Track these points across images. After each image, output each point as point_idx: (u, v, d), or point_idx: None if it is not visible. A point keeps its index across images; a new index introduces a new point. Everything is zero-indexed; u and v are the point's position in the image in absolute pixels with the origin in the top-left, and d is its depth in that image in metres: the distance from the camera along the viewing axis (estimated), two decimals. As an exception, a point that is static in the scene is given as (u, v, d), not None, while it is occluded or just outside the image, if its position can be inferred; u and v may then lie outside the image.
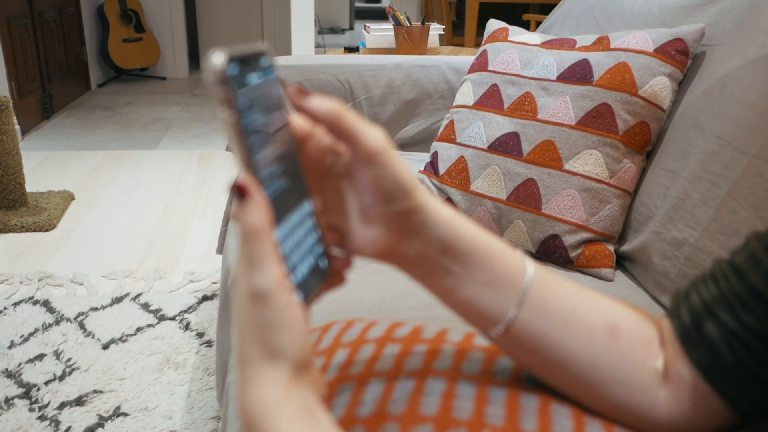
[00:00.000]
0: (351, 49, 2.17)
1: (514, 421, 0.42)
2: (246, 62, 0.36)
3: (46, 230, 2.24)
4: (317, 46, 3.28)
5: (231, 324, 1.03)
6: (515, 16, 4.29)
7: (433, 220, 0.41)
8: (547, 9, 3.48)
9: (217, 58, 0.34)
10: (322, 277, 0.40)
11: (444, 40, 3.96)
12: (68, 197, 2.48)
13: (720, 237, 0.82)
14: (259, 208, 0.34)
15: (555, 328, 0.43)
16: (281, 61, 1.51)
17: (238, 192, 0.34)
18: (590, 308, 0.45)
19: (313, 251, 0.40)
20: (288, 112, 0.40)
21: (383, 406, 0.43)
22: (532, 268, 0.44)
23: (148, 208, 2.47)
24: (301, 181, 0.40)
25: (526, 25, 3.34)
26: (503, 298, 0.43)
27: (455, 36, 4.09)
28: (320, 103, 0.39)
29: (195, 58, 5.01)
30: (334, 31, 6.92)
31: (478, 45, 3.62)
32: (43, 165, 2.90)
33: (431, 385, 0.45)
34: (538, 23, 3.20)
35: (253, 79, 0.37)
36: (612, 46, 1.05)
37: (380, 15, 7.61)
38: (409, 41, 1.97)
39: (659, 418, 0.44)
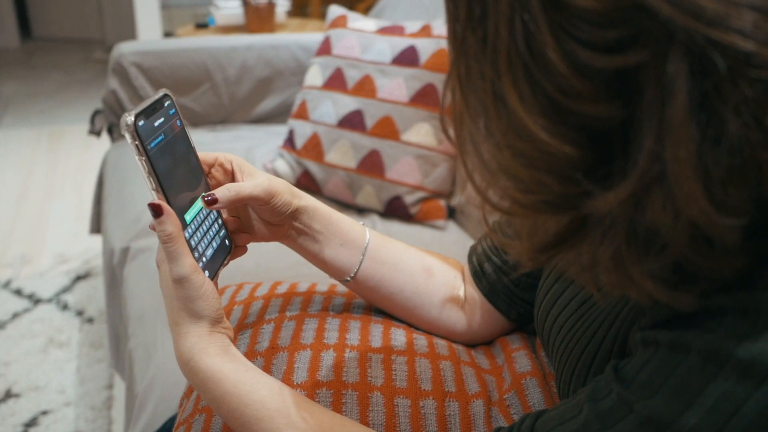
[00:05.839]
0: (201, 26, 2.23)
1: (366, 341, 0.61)
2: (151, 110, 0.51)
3: None
4: (163, 7, 3.21)
5: (122, 298, 1.14)
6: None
7: (306, 211, 0.60)
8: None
9: (127, 118, 0.48)
10: (228, 251, 0.57)
11: (291, 3, 4.03)
12: None
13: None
14: (171, 220, 0.50)
15: (387, 271, 0.63)
16: (135, 46, 1.57)
17: (154, 210, 0.49)
18: (412, 257, 0.65)
19: (219, 235, 0.56)
20: (189, 135, 0.55)
21: (274, 342, 0.60)
22: (369, 233, 0.64)
23: (2, 193, 2.40)
24: (202, 185, 0.55)
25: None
26: (352, 255, 0.63)
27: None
28: (223, 194, 0.54)
29: (25, 25, 4.67)
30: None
31: (324, 7, 3.72)
32: None
33: (308, 323, 0.63)
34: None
35: (159, 120, 0.51)
36: (433, 34, 1.26)
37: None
38: (257, 18, 2.08)
39: (462, 329, 0.66)
